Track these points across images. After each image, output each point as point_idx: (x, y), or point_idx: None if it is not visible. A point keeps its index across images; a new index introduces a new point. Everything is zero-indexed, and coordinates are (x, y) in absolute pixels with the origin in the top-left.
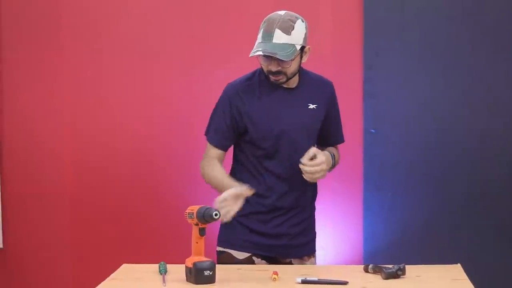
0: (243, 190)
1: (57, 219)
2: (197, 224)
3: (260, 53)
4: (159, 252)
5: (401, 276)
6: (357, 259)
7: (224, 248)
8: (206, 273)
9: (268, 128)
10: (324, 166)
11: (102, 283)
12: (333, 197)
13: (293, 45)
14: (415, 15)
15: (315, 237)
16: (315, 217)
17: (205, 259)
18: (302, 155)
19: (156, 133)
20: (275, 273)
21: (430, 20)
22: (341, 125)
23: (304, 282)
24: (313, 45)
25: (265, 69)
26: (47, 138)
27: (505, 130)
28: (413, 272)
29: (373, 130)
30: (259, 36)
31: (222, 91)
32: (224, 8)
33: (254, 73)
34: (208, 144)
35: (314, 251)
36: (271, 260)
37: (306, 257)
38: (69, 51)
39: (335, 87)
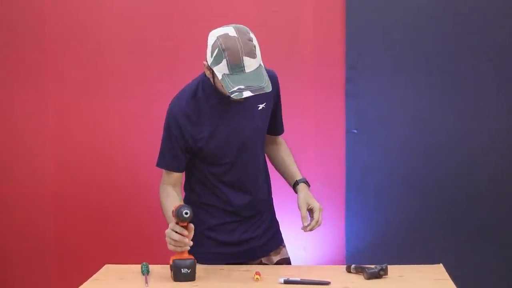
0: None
1: (39, 220)
2: (177, 223)
3: (249, 94)
4: (141, 253)
5: (383, 276)
6: (339, 260)
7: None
8: (184, 270)
9: (227, 146)
10: (319, 206)
11: (85, 283)
12: (315, 197)
13: (261, 66)
14: (398, 14)
15: (278, 229)
16: (275, 209)
17: (187, 256)
18: (256, 159)
19: (139, 133)
20: (258, 273)
21: (413, 20)
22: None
23: (286, 282)
24: (295, 45)
25: (226, 93)
26: (30, 137)
27: (488, 130)
28: (395, 272)
29: (355, 130)
30: (224, 67)
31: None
32: (208, 9)
33: (196, 87)
34: (164, 171)
35: (281, 242)
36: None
37: (272, 253)
38: (52, 50)
39: (317, 87)
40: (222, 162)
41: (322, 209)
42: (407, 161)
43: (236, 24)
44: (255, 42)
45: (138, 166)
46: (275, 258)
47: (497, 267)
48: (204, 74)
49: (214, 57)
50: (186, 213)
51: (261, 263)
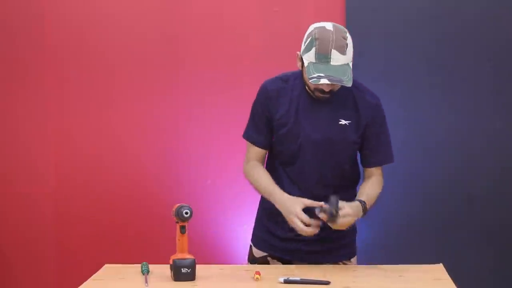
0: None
1: (39, 219)
2: (177, 222)
3: (326, 81)
4: (141, 253)
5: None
6: None
7: (251, 241)
8: (184, 270)
9: (290, 136)
10: (349, 219)
11: (85, 283)
12: None
13: (348, 65)
14: (398, 14)
15: (345, 244)
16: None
17: (187, 256)
18: (325, 169)
19: (139, 134)
20: (258, 273)
21: (413, 20)
22: (388, 144)
23: (286, 282)
24: (296, 46)
25: (313, 87)
26: (31, 137)
27: (489, 130)
28: (395, 271)
29: None
30: (311, 55)
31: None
32: (208, 9)
33: (289, 77)
34: (248, 144)
35: (343, 259)
36: (288, 262)
37: (329, 264)
38: (52, 49)
39: None
40: (285, 152)
41: (352, 217)
42: (407, 161)
43: (330, 22)
44: (349, 42)
45: (137, 166)
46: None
47: (497, 267)
48: (297, 70)
49: (306, 45)
50: (186, 213)
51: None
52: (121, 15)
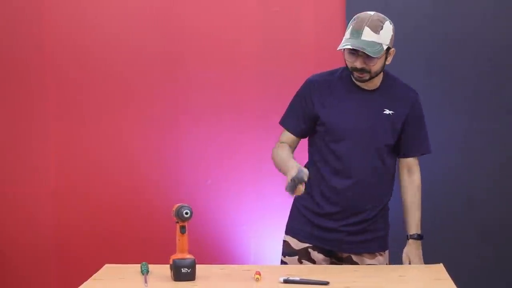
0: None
1: (39, 220)
2: (177, 222)
3: (349, 46)
4: (141, 253)
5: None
6: None
7: (287, 234)
8: (184, 270)
9: (335, 125)
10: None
11: (85, 283)
12: None
13: (381, 44)
14: (398, 15)
15: (383, 236)
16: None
17: (187, 256)
18: (366, 159)
19: (139, 134)
20: (258, 273)
21: (414, 19)
22: (426, 136)
23: (286, 281)
24: (296, 45)
25: (349, 65)
26: (31, 138)
27: (488, 131)
28: (396, 271)
29: None
30: (348, 32)
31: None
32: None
33: (337, 70)
34: (283, 130)
35: (380, 249)
36: (329, 253)
37: (367, 255)
38: (52, 51)
39: None
40: (330, 140)
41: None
42: None
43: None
44: (386, 27)
45: (137, 166)
46: (368, 261)
47: (497, 267)
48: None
49: (347, 28)
50: (187, 213)
51: (351, 260)
52: (120, 16)
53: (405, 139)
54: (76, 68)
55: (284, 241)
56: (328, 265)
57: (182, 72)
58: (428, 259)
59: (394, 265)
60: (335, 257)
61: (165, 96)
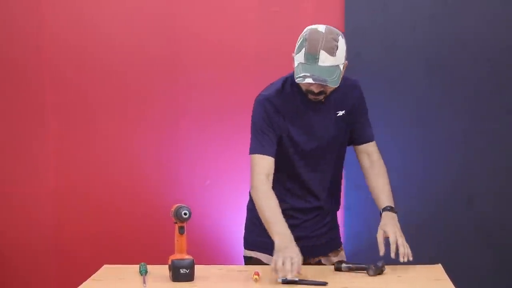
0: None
1: (38, 220)
2: (176, 222)
3: (310, 80)
4: (140, 253)
5: (384, 272)
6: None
7: (252, 250)
8: (183, 271)
9: (303, 144)
10: (398, 236)
11: (84, 283)
12: None
13: (338, 66)
14: (397, 14)
15: (338, 233)
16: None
17: (186, 256)
18: (326, 166)
19: (138, 134)
20: (257, 273)
21: (412, 19)
22: (369, 123)
23: (284, 282)
24: (295, 46)
25: (304, 88)
26: (30, 136)
27: (488, 131)
28: (394, 272)
29: None
30: (301, 56)
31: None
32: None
33: (283, 84)
34: (256, 160)
35: (340, 245)
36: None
37: (331, 254)
38: (50, 51)
39: None
40: (292, 159)
41: (400, 235)
42: (406, 161)
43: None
44: (340, 44)
45: (136, 166)
46: (334, 259)
47: (496, 268)
48: (293, 72)
49: (298, 46)
50: (185, 214)
51: (321, 263)
52: (119, 17)
53: (357, 127)
54: (75, 69)
55: (251, 258)
56: (325, 266)
57: (181, 73)
58: (427, 259)
59: (392, 266)
60: (306, 264)
61: (164, 97)
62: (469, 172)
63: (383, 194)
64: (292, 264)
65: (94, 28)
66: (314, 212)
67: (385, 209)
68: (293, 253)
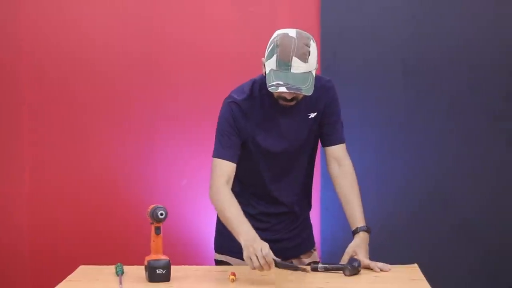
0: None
1: (13, 219)
2: (152, 223)
3: (284, 89)
4: (116, 254)
5: (360, 273)
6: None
7: (222, 254)
8: (159, 271)
9: (271, 148)
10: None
11: (59, 284)
12: None
13: (310, 72)
14: (373, 14)
15: (310, 234)
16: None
17: (162, 257)
18: (299, 167)
19: (114, 133)
20: (233, 273)
21: (388, 19)
22: (342, 126)
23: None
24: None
25: (276, 95)
26: (5, 137)
27: (463, 131)
28: (370, 272)
29: None
30: (273, 62)
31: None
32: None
33: (251, 87)
34: (217, 163)
35: (312, 246)
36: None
37: (303, 256)
38: (29, 51)
39: None
40: (259, 164)
41: (368, 261)
42: (380, 161)
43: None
44: (312, 49)
45: (112, 166)
46: (306, 261)
47: (472, 268)
48: (262, 75)
49: (268, 52)
50: (162, 214)
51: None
52: (100, 16)
53: (327, 128)
54: (54, 68)
55: (221, 261)
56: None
57: (158, 71)
58: (403, 259)
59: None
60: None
61: (141, 97)
62: (446, 173)
63: (357, 211)
64: (265, 256)
65: (75, 28)
66: (284, 216)
67: (361, 228)
68: (261, 245)
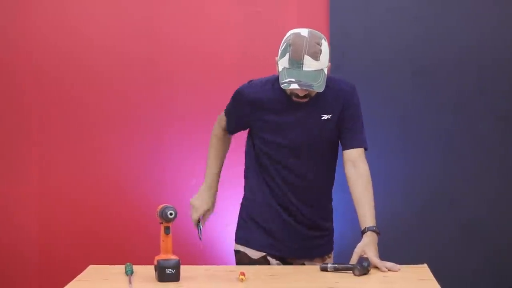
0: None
1: (23, 219)
2: (161, 223)
3: (296, 86)
4: (126, 253)
5: (370, 273)
6: None
7: (241, 245)
8: (168, 271)
9: (277, 142)
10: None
11: (69, 284)
12: None
13: (322, 70)
14: (382, 15)
15: (330, 239)
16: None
17: (172, 257)
18: (310, 167)
19: (123, 134)
20: (242, 273)
21: (396, 20)
22: (363, 131)
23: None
24: (279, 45)
25: (288, 91)
26: (14, 137)
27: (471, 131)
28: (380, 272)
29: None
30: (285, 61)
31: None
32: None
33: (267, 82)
34: (223, 116)
35: (329, 252)
36: (285, 261)
37: (317, 259)
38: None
39: None
40: (272, 156)
41: (378, 260)
42: (390, 161)
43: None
44: (324, 48)
45: (122, 166)
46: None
47: (477, 267)
48: (276, 74)
49: (281, 51)
50: (171, 214)
51: (303, 265)
52: (102, 18)
53: (345, 133)
54: (59, 71)
55: (239, 251)
56: (310, 266)
57: (164, 71)
58: (412, 259)
59: None
60: (288, 264)
61: (149, 97)
62: (452, 173)
63: (368, 212)
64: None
65: (77, 30)
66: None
67: (370, 228)
68: (197, 206)
